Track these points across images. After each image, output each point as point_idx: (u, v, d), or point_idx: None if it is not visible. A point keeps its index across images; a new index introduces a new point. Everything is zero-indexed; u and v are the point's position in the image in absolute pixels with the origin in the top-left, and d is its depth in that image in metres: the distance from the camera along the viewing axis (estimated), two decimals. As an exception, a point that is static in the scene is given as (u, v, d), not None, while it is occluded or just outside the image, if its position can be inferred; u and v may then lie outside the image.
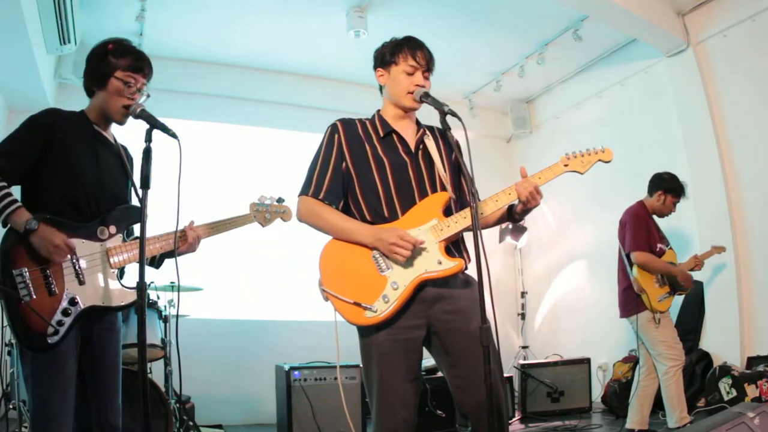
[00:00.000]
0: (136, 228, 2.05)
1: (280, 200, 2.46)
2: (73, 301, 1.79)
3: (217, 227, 2.20)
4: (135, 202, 2.06)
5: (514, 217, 1.99)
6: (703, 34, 4.73)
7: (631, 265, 3.68)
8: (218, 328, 5.08)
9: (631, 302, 3.68)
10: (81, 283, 1.82)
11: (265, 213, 2.39)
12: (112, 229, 1.93)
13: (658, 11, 4.65)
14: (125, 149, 2.14)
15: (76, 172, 1.88)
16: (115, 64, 1.94)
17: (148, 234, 1.86)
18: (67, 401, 1.79)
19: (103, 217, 1.93)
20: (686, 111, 4.87)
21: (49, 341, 1.73)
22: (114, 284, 1.90)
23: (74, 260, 1.82)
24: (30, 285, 1.73)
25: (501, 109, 6.75)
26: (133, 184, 2.07)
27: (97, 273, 1.87)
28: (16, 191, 1.84)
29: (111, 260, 1.90)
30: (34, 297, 1.73)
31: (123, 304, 1.92)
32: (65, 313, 1.76)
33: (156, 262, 2.07)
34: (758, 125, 4.38)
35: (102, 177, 1.96)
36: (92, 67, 1.98)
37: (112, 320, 1.98)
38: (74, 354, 1.83)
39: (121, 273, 2.01)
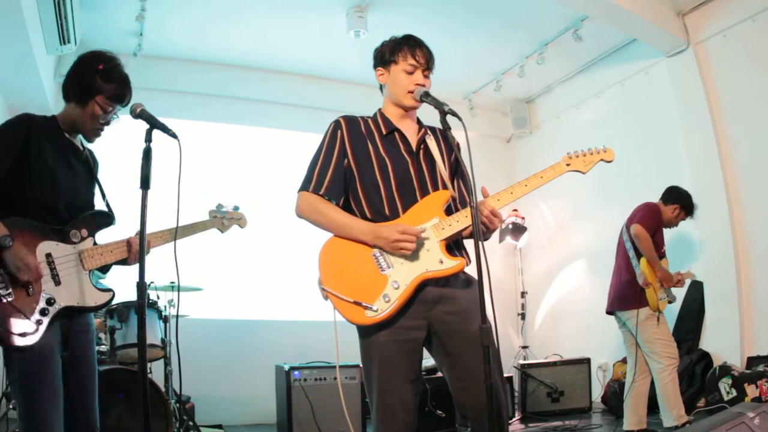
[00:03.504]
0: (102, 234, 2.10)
1: (235, 208, 2.55)
2: (50, 301, 1.83)
3: (174, 233, 2.20)
4: (100, 206, 2.11)
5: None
6: (703, 34, 4.73)
7: (639, 257, 3.60)
8: (218, 328, 5.08)
9: (632, 296, 3.60)
10: (57, 284, 1.86)
11: (222, 219, 2.49)
12: (84, 232, 1.97)
13: (658, 11, 4.65)
14: (91, 153, 2.16)
15: (50, 179, 1.91)
16: (100, 88, 1.94)
17: (108, 240, 2.00)
18: (57, 399, 1.82)
19: (75, 221, 1.97)
20: (686, 111, 4.87)
21: (30, 340, 1.76)
22: (88, 285, 1.95)
23: (50, 262, 1.86)
24: (9, 284, 1.76)
25: (501, 109, 6.75)
26: (100, 188, 2.13)
27: (73, 274, 1.91)
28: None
29: (84, 262, 1.94)
30: (13, 297, 1.76)
31: (97, 304, 1.96)
32: (43, 312, 1.80)
33: (108, 268, 2.10)
34: (758, 125, 4.38)
35: (74, 183, 2.00)
36: (77, 80, 1.96)
37: (87, 321, 2.01)
38: (58, 353, 1.86)
39: (105, 274, 2.10)
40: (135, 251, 2.03)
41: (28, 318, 1.76)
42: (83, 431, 1.91)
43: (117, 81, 1.96)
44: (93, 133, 2.02)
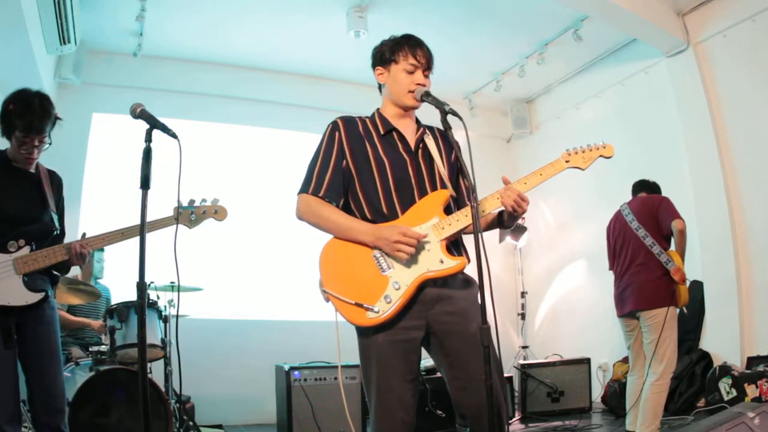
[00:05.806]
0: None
1: (214, 201, 2.58)
2: None
3: (130, 232, 2.36)
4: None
5: (503, 224, 1.95)
6: (703, 34, 4.73)
7: (676, 247, 3.44)
8: (218, 328, 5.08)
9: (665, 293, 3.38)
10: None
11: (189, 215, 2.52)
12: (21, 242, 2.24)
13: (658, 11, 4.65)
14: (51, 173, 2.43)
15: None
16: (14, 124, 2.20)
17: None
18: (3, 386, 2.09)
19: (17, 233, 2.23)
20: (686, 111, 4.87)
21: None
22: (19, 287, 2.20)
23: None
24: None
25: (501, 109, 6.75)
26: (49, 205, 2.37)
27: (5, 279, 2.18)
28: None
29: (18, 268, 2.20)
30: None
31: (27, 303, 2.20)
32: None
33: (64, 268, 2.38)
34: (758, 125, 4.38)
35: (16, 203, 2.26)
36: (0, 119, 2.24)
37: (40, 314, 2.26)
38: (2, 345, 2.12)
39: (54, 280, 2.35)
40: (73, 254, 2.28)
41: None
42: (46, 412, 2.16)
43: (26, 115, 2.19)
44: (24, 162, 2.29)
